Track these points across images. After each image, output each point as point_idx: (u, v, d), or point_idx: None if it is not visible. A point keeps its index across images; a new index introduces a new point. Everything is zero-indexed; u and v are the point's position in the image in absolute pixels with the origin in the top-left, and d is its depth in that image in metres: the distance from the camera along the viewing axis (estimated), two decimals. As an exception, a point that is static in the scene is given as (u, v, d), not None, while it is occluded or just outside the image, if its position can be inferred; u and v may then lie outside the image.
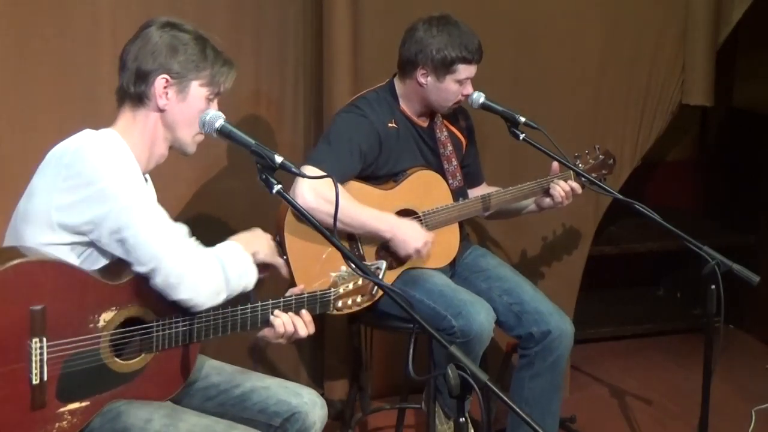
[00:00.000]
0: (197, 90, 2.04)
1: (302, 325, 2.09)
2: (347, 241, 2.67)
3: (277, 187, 1.89)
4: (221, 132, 1.97)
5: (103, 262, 1.95)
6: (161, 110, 2.03)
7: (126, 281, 1.94)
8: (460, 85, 2.74)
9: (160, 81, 2.01)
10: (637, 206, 2.56)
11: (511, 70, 3.42)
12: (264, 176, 1.90)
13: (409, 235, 2.67)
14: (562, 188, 2.87)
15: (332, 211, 2.49)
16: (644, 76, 3.62)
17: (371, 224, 2.65)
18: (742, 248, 4.03)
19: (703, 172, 4.67)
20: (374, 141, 2.71)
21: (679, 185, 4.65)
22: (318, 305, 2.14)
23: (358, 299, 2.21)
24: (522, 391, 2.81)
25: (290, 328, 2.07)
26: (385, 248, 2.72)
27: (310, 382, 3.39)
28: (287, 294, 2.11)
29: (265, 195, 1.93)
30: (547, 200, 2.91)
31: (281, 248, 2.60)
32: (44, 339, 1.80)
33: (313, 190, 2.52)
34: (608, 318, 4.23)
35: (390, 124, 2.77)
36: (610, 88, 3.59)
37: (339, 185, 2.02)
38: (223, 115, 1.99)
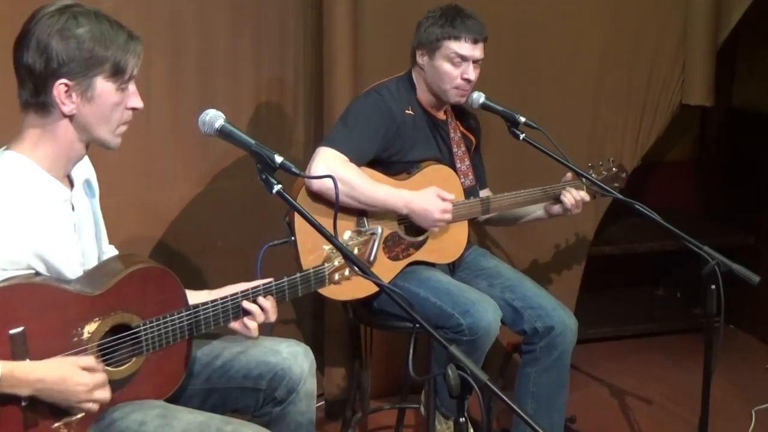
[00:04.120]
0: (104, 85, 1.85)
1: (266, 312, 2.05)
2: (355, 223, 2.68)
3: (277, 187, 1.89)
4: (221, 132, 1.96)
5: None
6: (68, 116, 1.85)
7: (106, 290, 1.89)
8: (453, 66, 2.73)
9: (59, 88, 1.82)
10: (637, 206, 2.56)
11: (511, 70, 3.42)
12: (264, 176, 1.90)
13: (426, 207, 2.67)
14: (573, 196, 2.87)
15: (344, 188, 2.53)
16: (644, 76, 3.63)
17: (387, 202, 2.66)
18: (742, 248, 4.03)
19: (703, 172, 4.66)
20: (391, 124, 2.72)
21: (679, 185, 4.65)
22: (313, 283, 2.11)
23: (356, 268, 2.16)
24: (528, 387, 2.82)
25: (261, 318, 2.04)
26: (394, 239, 2.73)
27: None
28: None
29: (264, 195, 1.93)
30: (557, 207, 2.92)
31: (289, 228, 2.61)
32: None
33: (327, 169, 2.53)
34: (608, 318, 4.23)
35: (407, 111, 2.78)
36: (610, 88, 3.59)
37: (338, 184, 2.02)
38: (224, 115, 1.98)
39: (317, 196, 2.59)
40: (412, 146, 2.78)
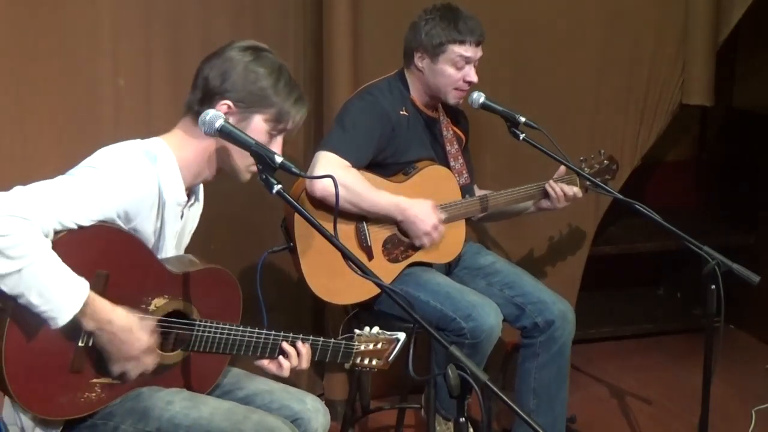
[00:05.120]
0: (260, 124, 2.03)
1: (300, 358, 2.11)
2: (355, 227, 2.68)
3: (277, 187, 1.89)
4: (221, 132, 1.95)
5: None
6: None
7: (182, 273, 1.99)
8: (457, 69, 2.74)
9: (222, 106, 2.00)
10: (637, 206, 2.56)
11: (511, 70, 3.42)
12: (264, 176, 1.90)
13: (420, 218, 2.67)
14: (558, 190, 2.88)
15: (347, 194, 2.53)
16: (644, 76, 3.63)
17: (386, 209, 2.66)
18: (742, 248, 4.03)
19: (703, 172, 4.67)
20: (387, 126, 2.72)
21: (679, 185, 4.65)
22: (341, 354, 2.18)
23: (374, 362, 2.23)
24: (529, 383, 2.83)
25: (295, 362, 2.09)
26: (393, 241, 2.73)
27: (311, 382, 3.39)
28: None
29: (265, 195, 1.93)
30: (545, 201, 2.92)
31: (288, 234, 2.61)
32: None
33: (330, 173, 2.52)
34: (608, 318, 4.23)
35: (401, 112, 2.78)
36: (610, 88, 3.59)
37: (341, 189, 2.03)
38: (224, 115, 1.98)
39: (319, 203, 2.59)
40: (407, 147, 2.78)
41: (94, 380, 1.90)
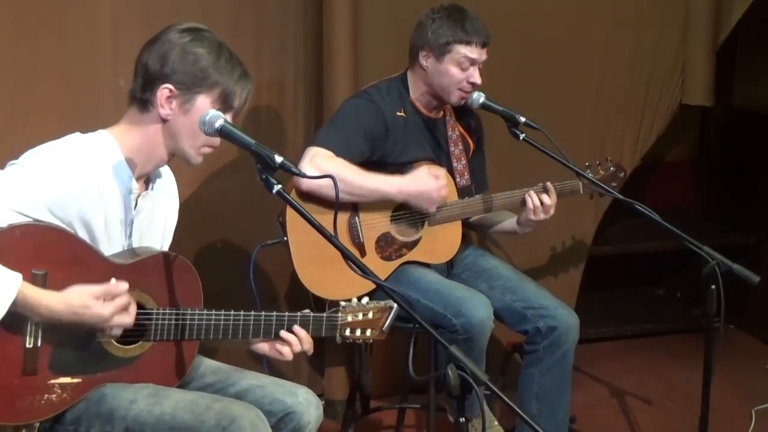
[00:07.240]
0: (204, 103, 1.98)
1: (301, 341, 2.12)
2: (347, 222, 2.68)
3: (277, 187, 1.89)
4: (221, 132, 1.95)
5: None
6: (164, 120, 1.99)
7: (131, 263, 1.96)
8: (461, 70, 2.73)
9: (163, 91, 1.96)
10: (637, 206, 2.56)
11: (511, 70, 3.42)
12: (264, 176, 1.90)
13: (421, 189, 2.68)
14: (538, 198, 2.83)
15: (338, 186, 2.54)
16: (644, 76, 3.63)
17: (380, 190, 2.66)
18: (742, 248, 4.03)
19: (703, 172, 4.67)
20: (380, 125, 2.72)
21: (679, 185, 4.65)
22: (324, 327, 2.15)
23: (368, 332, 2.21)
24: (532, 387, 2.81)
25: (297, 348, 2.10)
26: (386, 239, 2.73)
27: (310, 382, 3.39)
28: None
29: (264, 195, 1.93)
30: (523, 215, 2.87)
31: (282, 229, 2.61)
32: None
33: (314, 167, 2.54)
34: (608, 318, 4.23)
35: (398, 113, 2.78)
36: (610, 88, 3.60)
37: (338, 185, 2.02)
38: (224, 115, 1.98)
39: (308, 196, 2.59)
40: (404, 148, 2.77)
41: (52, 381, 1.87)
